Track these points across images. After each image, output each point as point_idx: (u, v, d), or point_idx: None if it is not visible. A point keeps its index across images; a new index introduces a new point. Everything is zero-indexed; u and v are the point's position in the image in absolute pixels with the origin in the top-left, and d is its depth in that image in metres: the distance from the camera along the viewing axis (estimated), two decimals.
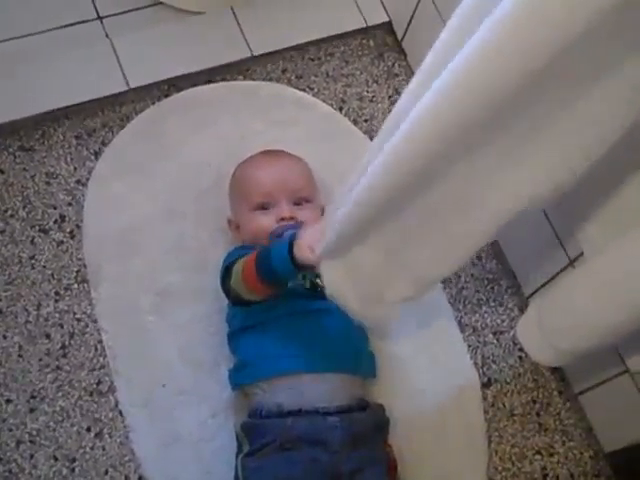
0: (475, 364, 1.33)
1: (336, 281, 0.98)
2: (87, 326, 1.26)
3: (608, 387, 1.25)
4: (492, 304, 1.38)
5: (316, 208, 1.26)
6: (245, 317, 1.18)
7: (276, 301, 1.13)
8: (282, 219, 1.20)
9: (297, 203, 1.23)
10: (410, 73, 1.54)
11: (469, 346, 1.34)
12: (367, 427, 1.12)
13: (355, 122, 1.48)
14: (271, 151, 1.31)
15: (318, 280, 1.16)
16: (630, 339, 1.07)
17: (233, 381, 1.19)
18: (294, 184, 1.24)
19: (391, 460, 1.14)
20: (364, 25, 1.55)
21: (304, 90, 1.49)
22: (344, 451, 1.08)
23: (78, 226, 1.32)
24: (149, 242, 1.32)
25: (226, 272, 1.15)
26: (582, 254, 1.15)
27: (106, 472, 1.18)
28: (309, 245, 0.97)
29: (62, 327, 1.25)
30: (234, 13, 1.49)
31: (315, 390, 1.11)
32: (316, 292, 1.15)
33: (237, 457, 1.11)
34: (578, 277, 1.08)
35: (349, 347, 1.16)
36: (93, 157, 1.37)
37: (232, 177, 1.31)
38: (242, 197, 1.26)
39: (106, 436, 1.20)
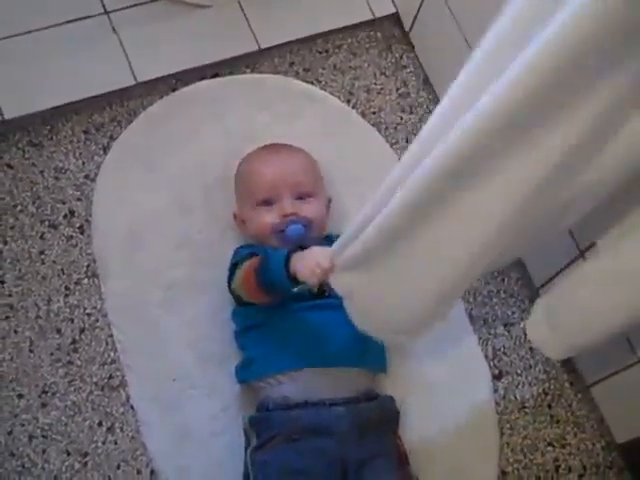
0: (486, 356, 1.33)
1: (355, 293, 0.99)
2: (97, 321, 1.26)
3: (619, 378, 1.25)
4: (502, 296, 1.38)
5: (320, 202, 1.26)
6: (250, 315, 1.19)
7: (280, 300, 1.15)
8: (285, 215, 1.20)
9: (300, 197, 1.23)
10: (418, 64, 1.53)
11: (480, 338, 1.34)
12: (374, 417, 1.12)
13: (363, 114, 1.48)
14: (273, 145, 1.32)
15: (325, 282, 1.16)
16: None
17: (239, 377, 1.20)
18: (296, 179, 1.23)
19: (401, 452, 1.14)
20: (371, 17, 1.54)
21: (312, 83, 1.49)
22: (351, 440, 1.08)
23: (87, 221, 1.32)
24: (158, 236, 1.32)
25: (231, 272, 1.16)
26: (592, 245, 1.14)
27: (118, 466, 1.18)
28: (312, 268, 0.97)
29: (72, 322, 1.25)
30: (241, 6, 1.48)
31: (321, 384, 1.12)
32: (323, 296, 1.16)
33: (246, 451, 1.11)
34: (586, 273, 1.08)
35: (355, 341, 1.15)
36: (101, 152, 1.37)
37: (236, 172, 1.31)
38: (245, 193, 1.27)
39: (118, 430, 1.20)
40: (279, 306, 1.14)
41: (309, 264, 0.98)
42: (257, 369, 1.16)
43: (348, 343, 1.14)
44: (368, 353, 1.18)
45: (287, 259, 1.01)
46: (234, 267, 1.17)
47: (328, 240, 1.26)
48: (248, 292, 1.13)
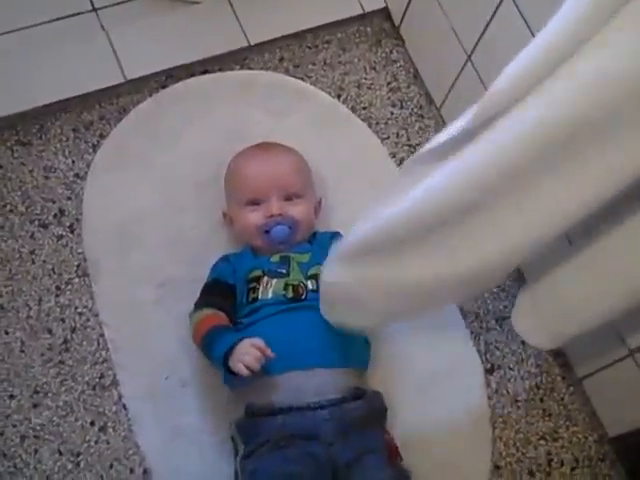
0: (478, 350, 1.33)
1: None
2: (89, 320, 1.26)
3: (611, 371, 1.25)
4: (494, 290, 1.37)
5: (309, 203, 1.26)
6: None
7: (259, 305, 1.15)
8: (271, 215, 1.20)
9: (288, 198, 1.23)
10: (408, 59, 1.53)
11: (472, 332, 1.34)
12: (361, 416, 1.11)
13: (353, 110, 1.47)
14: (263, 145, 1.31)
15: (301, 286, 1.17)
16: (629, 319, 1.07)
17: (225, 383, 1.19)
18: (284, 180, 1.23)
19: (391, 447, 1.13)
20: (361, 12, 1.54)
21: (302, 79, 1.48)
22: (338, 442, 1.08)
23: (77, 220, 1.32)
24: (149, 234, 1.32)
25: (196, 306, 1.21)
26: None
27: (111, 466, 1.18)
28: (243, 362, 1.05)
29: (64, 321, 1.25)
30: (230, 2, 1.48)
31: (305, 386, 1.11)
32: (299, 300, 1.16)
33: (235, 459, 1.11)
34: (571, 261, 1.08)
35: (335, 340, 1.15)
36: (91, 150, 1.37)
37: (226, 170, 1.31)
38: (234, 192, 1.27)
39: (110, 430, 1.20)
40: (257, 311, 1.15)
41: (239, 357, 1.06)
42: (240, 377, 1.15)
43: (328, 343, 1.14)
44: (349, 352, 1.17)
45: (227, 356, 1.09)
46: (201, 296, 1.21)
47: (315, 238, 1.26)
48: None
